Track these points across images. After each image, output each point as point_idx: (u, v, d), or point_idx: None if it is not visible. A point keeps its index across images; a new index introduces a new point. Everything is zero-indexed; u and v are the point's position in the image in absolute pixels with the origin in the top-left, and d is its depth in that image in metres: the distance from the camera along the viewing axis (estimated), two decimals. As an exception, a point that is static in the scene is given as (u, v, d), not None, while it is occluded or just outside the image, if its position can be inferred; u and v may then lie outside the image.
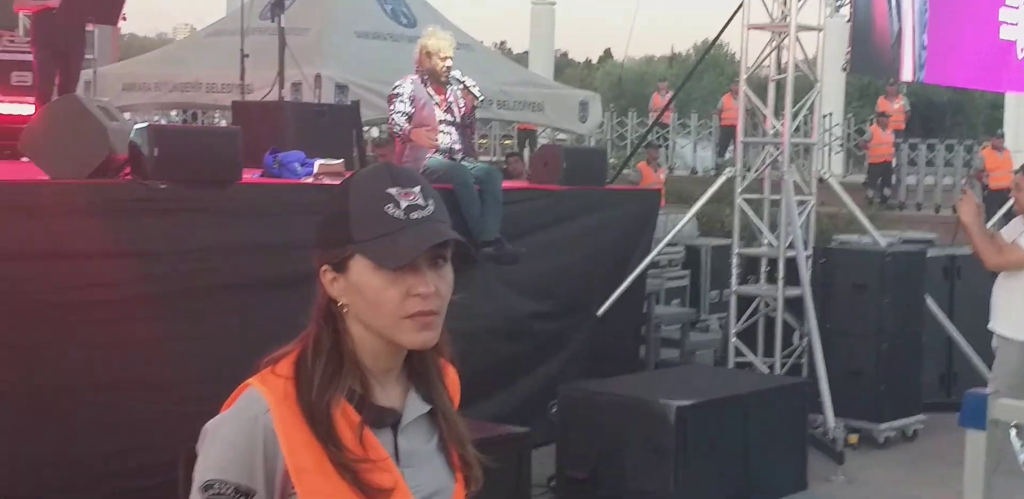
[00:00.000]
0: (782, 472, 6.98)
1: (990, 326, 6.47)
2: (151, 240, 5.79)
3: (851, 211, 9.32)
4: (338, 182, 1.90)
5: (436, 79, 7.40)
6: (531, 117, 13.55)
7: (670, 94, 21.10)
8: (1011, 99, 21.42)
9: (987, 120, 32.26)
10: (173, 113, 18.71)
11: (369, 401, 1.82)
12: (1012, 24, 10.41)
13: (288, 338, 1.88)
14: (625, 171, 14.02)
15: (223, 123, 15.28)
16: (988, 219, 7.33)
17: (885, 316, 8.17)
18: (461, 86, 7.48)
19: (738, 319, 8.83)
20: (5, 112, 9.45)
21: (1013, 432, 6.17)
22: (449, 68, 7.40)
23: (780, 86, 8.88)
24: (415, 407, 1.87)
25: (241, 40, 10.13)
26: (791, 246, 8.42)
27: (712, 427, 6.45)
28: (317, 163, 7.09)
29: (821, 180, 9.09)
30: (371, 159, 11.29)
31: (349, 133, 9.12)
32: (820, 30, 9.06)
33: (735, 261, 8.94)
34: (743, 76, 9.03)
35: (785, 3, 8.78)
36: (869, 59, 9.20)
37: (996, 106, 27.17)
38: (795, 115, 8.79)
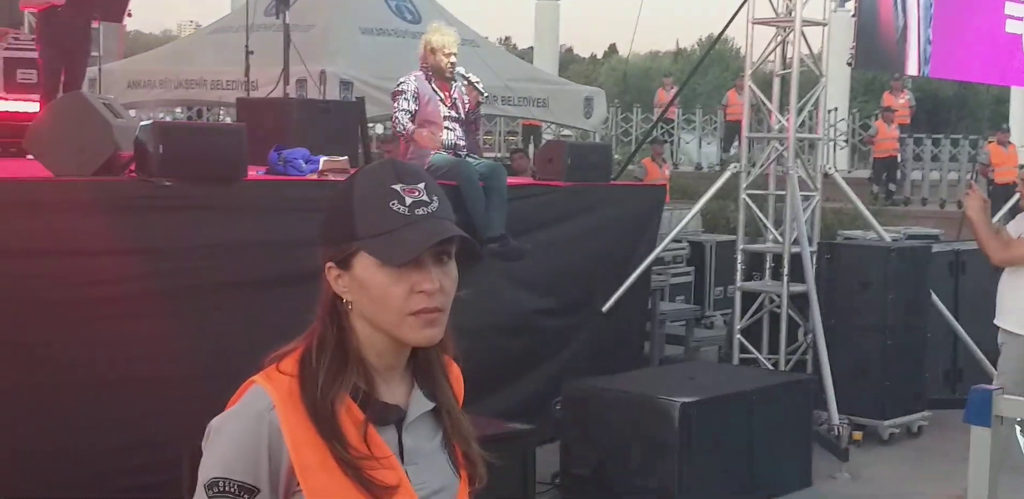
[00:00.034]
0: (786, 469, 6.98)
1: (995, 322, 6.46)
2: (156, 237, 5.80)
3: (856, 207, 9.31)
4: (343, 179, 1.90)
5: (441, 75, 7.40)
6: (536, 113, 13.54)
7: (675, 89, 21.05)
8: (1017, 93, 21.41)
9: (992, 115, 32.19)
10: (178, 110, 18.74)
11: (373, 398, 1.82)
12: (1018, 18, 10.40)
13: (293, 335, 1.88)
14: (630, 167, 14.02)
15: (228, 120, 15.31)
16: (993, 214, 7.31)
17: (890, 312, 8.16)
18: (466, 82, 7.48)
19: (742, 315, 8.83)
20: (10, 110, 9.47)
21: (1018, 428, 6.16)
22: (454, 64, 7.39)
23: (785, 81, 8.87)
24: (419, 404, 1.87)
25: (246, 37, 10.13)
26: (796, 242, 8.41)
27: (716, 424, 6.45)
28: (322, 160, 7.10)
29: (826, 175, 9.08)
30: (376, 156, 11.30)
31: (354, 130, 9.11)
32: (825, 25, 9.04)
33: (740, 257, 8.93)
34: (748, 71, 9.02)
35: (790, -2, 8.77)
36: (874, 54, 9.19)
37: (1001, 100, 27.11)
38: (800, 110, 8.78)
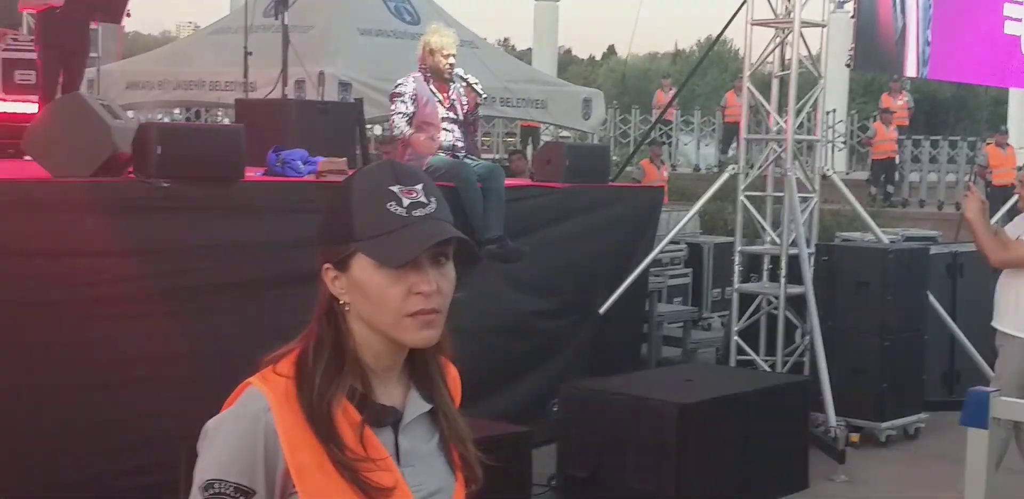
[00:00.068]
0: (783, 471, 6.97)
1: (993, 324, 6.46)
2: (154, 238, 5.80)
3: (854, 208, 9.31)
4: (341, 180, 1.90)
5: (439, 76, 7.40)
6: (534, 114, 13.55)
7: (673, 91, 21.06)
8: (1015, 95, 21.43)
9: (991, 116, 32.22)
10: (176, 111, 18.74)
11: (370, 400, 1.82)
12: (1017, 20, 10.40)
13: (290, 336, 1.88)
14: (628, 168, 14.03)
15: (226, 121, 15.31)
16: (992, 216, 7.32)
17: (887, 314, 8.16)
18: (464, 84, 7.48)
19: (740, 317, 8.83)
20: (9, 110, 9.47)
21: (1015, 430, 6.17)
22: (452, 65, 7.40)
23: (784, 82, 8.87)
24: (416, 406, 1.87)
25: (244, 38, 10.14)
26: (794, 244, 8.41)
27: (713, 426, 6.44)
28: (320, 161, 7.10)
29: (824, 177, 9.08)
30: (374, 156, 11.30)
31: (352, 131, 9.12)
32: (824, 26, 9.04)
33: (737, 259, 8.93)
34: (746, 73, 9.02)
35: None
36: (873, 55, 9.19)
37: (1000, 102, 27.13)
38: (798, 112, 8.78)
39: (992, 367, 6.77)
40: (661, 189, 10.58)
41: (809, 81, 8.93)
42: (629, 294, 8.46)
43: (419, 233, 1.77)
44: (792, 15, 8.67)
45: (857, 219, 9.85)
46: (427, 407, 1.88)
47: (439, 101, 7.40)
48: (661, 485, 6.20)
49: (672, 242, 9.69)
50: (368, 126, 11.44)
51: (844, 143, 23.24)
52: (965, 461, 4.01)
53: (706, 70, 36.61)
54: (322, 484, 1.75)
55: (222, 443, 1.77)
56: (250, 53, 10.02)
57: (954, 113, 37.52)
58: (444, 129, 7.41)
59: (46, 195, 5.62)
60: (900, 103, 20.49)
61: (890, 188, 19.81)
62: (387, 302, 1.77)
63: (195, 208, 6.02)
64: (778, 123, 8.83)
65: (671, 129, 24.35)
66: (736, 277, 8.91)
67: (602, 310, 8.31)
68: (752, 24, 8.86)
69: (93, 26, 10.20)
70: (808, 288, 8.14)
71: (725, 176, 9.02)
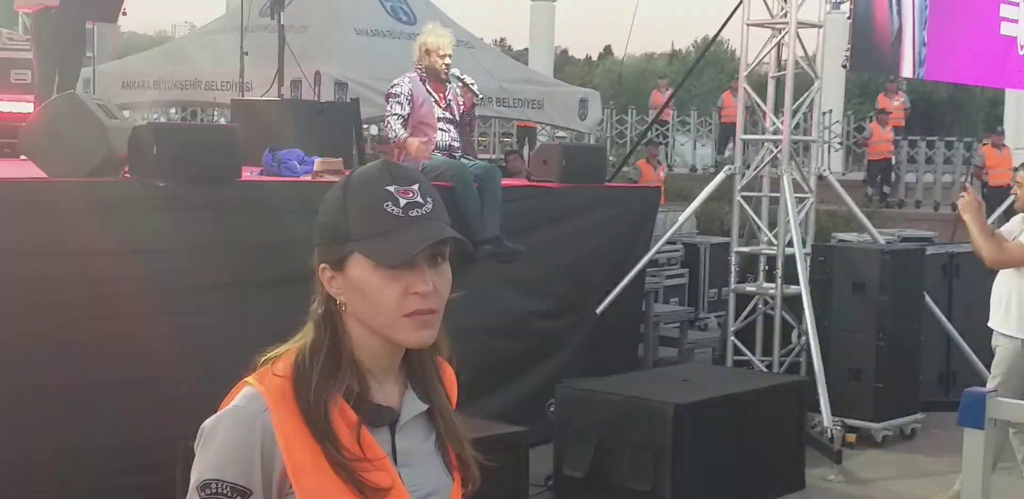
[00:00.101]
0: (780, 471, 6.98)
1: (990, 324, 6.47)
2: (150, 238, 5.80)
3: (850, 209, 9.32)
4: (337, 180, 1.90)
5: (435, 77, 7.40)
6: (531, 115, 13.54)
7: (670, 91, 21.09)
8: (1011, 96, 21.40)
9: (987, 117, 32.27)
10: (172, 111, 18.71)
11: (367, 400, 1.82)
12: (1012, 20, 10.41)
13: (287, 336, 1.88)
14: (625, 169, 14.02)
15: (222, 121, 15.30)
16: (987, 216, 7.32)
17: (884, 314, 8.17)
18: (460, 84, 7.48)
19: (736, 317, 8.83)
20: (4, 110, 9.45)
21: (1011, 430, 6.17)
22: (448, 66, 7.40)
23: (780, 83, 8.87)
24: (413, 406, 1.87)
25: (241, 38, 10.13)
26: (790, 244, 8.41)
27: (710, 426, 6.45)
28: (316, 161, 7.10)
29: (820, 178, 9.08)
30: (371, 156, 11.29)
31: (349, 131, 9.11)
32: (820, 27, 9.05)
33: (734, 259, 8.94)
34: (743, 73, 9.03)
35: (785, 0, 8.77)
36: (869, 56, 9.19)
37: (996, 103, 27.17)
38: (795, 112, 8.78)
39: (988, 367, 6.78)
40: (657, 189, 10.57)
41: (805, 82, 8.94)
42: (626, 294, 8.47)
43: (416, 233, 1.76)
44: (788, 16, 8.67)
45: (853, 220, 9.86)
46: (424, 407, 1.88)
47: (435, 101, 7.40)
48: (657, 485, 6.20)
49: (669, 242, 9.70)
50: (364, 126, 11.42)
51: (840, 144, 23.24)
52: (961, 461, 4.01)
53: (702, 71, 36.62)
54: (319, 484, 1.74)
55: (219, 443, 1.77)
56: (246, 53, 10.01)
57: (950, 114, 37.54)
58: (440, 129, 7.41)
59: (42, 195, 5.61)
60: (896, 104, 20.50)
61: (886, 189, 19.83)
62: (384, 302, 1.77)
63: (191, 208, 6.01)
64: (774, 124, 8.84)
65: (667, 129, 24.35)
66: (732, 277, 8.92)
67: (599, 310, 8.31)
68: (748, 25, 8.87)
69: (88, 26, 10.18)
70: (804, 288, 8.15)
71: (721, 176, 9.03)
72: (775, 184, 8.84)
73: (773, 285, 8.63)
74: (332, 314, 1.82)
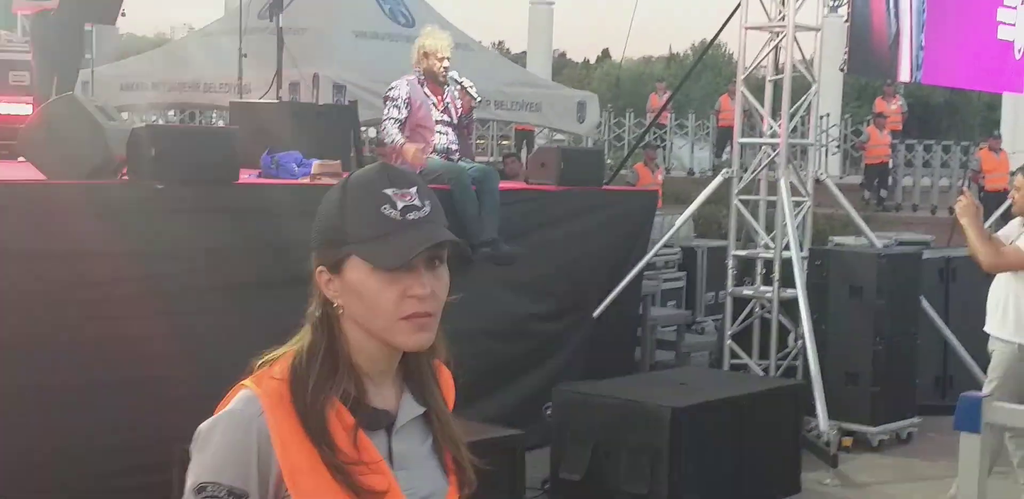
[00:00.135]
0: (776, 475, 6.98)
1: (986, 328, 6.47)
2: (148, 240, 5.79)
3: (847, 212, 9.32)
4: (335, 182, 1.90)
5: (434, 79, 7.41)
6: (529, 117, 13.55)
7: (668, 94, 21.10)
8: (1008, 100, 21.43)
9: (984, 121, 32.30)
10: (171, 113, 18.70)
11: (364, 403, 1.82)
12: (1010, 24, 10.42)
13: (284, 339, 1.88)
14: (622, 172, 14.02)
15: (221, 123, 15.30)
16: (984, 220, 7.32)
17: (880, 318, 8.17)
18: (459, 87, 7.48)
19: (733, 321, 8.83)
20: (2, 112, 9.45)
21: (1008, 434, 6.18)
22: (447, 69, 7.40)
23: (777, 86, 8.87)
24: (409, 409, 1.87)
25: (239, 40, 10.13)
26: (787, 248, 8.42)
27: (707, 429, 6.45)
28: (314, 163, 7.10)
29: (818, 181, 9.09)
30: (369, 159, 11.29)
31: (347, 133, 9.12)
32: (818, 30, 9.05)
33: (731, 263, 8.94)
34: (740, 76, 9.03)
35: (783, 3, 8.77)
36: (867, 59, 9.20)
37: (993, 107, 27.20)
38: (792, 116, 8.79)
39: (985, 371, 6.78)
40: (655, 193, 10.57)
41: (803, 85, 8.94)
42: (623, 297, 8.47)
43: (413, 236, 1.77)
44: (786, 19, 8.68)
45: (850, 223, 9.86)
46: (420, 410, 1.88)
47: (433, 104, 7.40)
48: (654, 489, 6.20)
49: (666, 246, 9.69)
50: (363, 129, 11.43)
51: (838, 147, 23.26)
52: (958, 466, 4.02)
53: (700, 74, 36.65)
54: (315, 487, 1.75)
55: (215, 446, 1.77)
56: (245, 55, 10.02)
57: (947, 118, 37.56)
58: (438, 132, 7.42)
59: (40, 197, 5.61)
60: (894, 107, 20.50)
61: (883, 192, 19.83)
62: (381, 305, 1.77)
63: (189, 210, 6.01)
64: (772, 127, 8.84)
65: (665, 133, 24.36)
66: (730, 281, 8.92)
67: (596, 313, 8.31)
68: (746, 28, 8.87)
69: (87, 27, 10.18)
70: (801, 292, 8.15)
71: (719, 180, 9.03)
72: (772, 188, 8.85)
73: (770, 289, 8.62)
74: (329, 317, 1.83)
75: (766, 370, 8.58)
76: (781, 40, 8.80)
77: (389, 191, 1.79)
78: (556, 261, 8.05)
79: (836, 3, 19.50)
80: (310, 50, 10.75)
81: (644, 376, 8.34)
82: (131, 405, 5.63)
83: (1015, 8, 10.44)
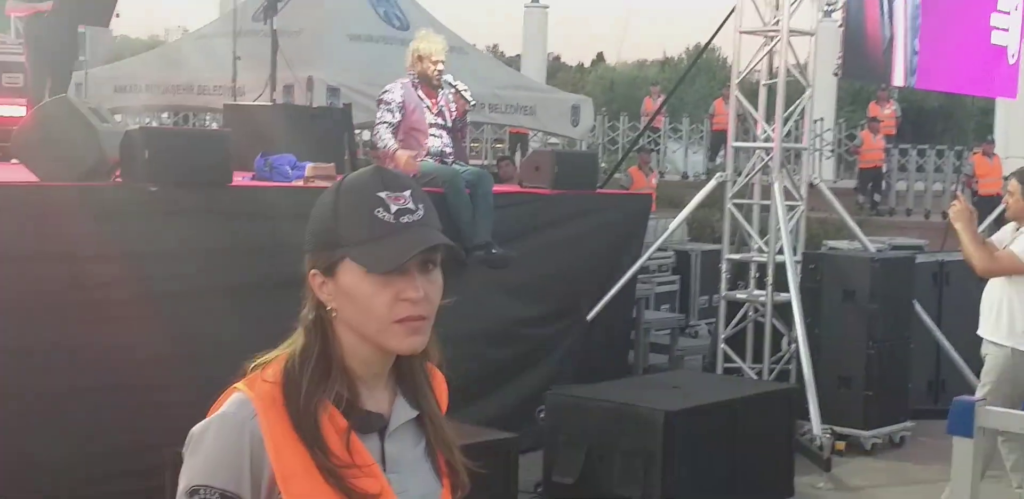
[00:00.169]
0: (769, 478, 6.98)
1: (980, 332, 6.47)
2: (141, 243, 5.78)
3: (841, 217, 9.33)
4: (328, 185, 1.90)
5: (428, 83, 7.40)
6: (523, 121, 13.55)
7: (662, 98, 21.10)
8: (1001, 105, 21.45)
9: (978, 126, 32.30)
10: (164, 115, 18.70)
11: (357, 406, 1.81)
12: (1003, 29, 10.44)
13: (277, 342, 1.87)
14: (616, 175, 14.05)
15: (214, 125, 15.29)
16: (978, 225, 7.33)
17: (874, 322, 8.18)
18: (453, 90, 7.48)
19: (727, 324, 8.84)
20: (-4, 113, 9.44)
21: (1000, 438, 6.18)
22: (441, 72, 7.39)
23: (771, 91, 8.89)
24: (402, 412, 1.87)
25: (233, 42, 10.12)
26: (781, 251, 8.42)
27: (700, 433, 6.44)
28: (308, 166, 7.09)
29: (811, 185, 9.10)
30: (363, 162, 11.28)
31: (341, 136, 9.11)
32: (812, 35, 9.07)
33: (725, 266, 8.95)
34: (735, 81, 9.04)
35: (777, 8, 8.79)
36: (861, 64, 9.22)
37: (987, 112, 27.20)
38: (786, 120, 8.80)
39: (978, 375, 6.79)
40: (649, 196, 10.60)
41: (797, 89, 8.96)
42: (617, 301, 8.47)
43: (407, 239, 1.76)
44: (780, 24, 8.69)
45: (844, 227, 9.88)
46: (414, 413, 1.88)
47: (427, 107, 7.40)
48: (647, 492, 6.20)
49: (660, 249, 9.71)
50: (357, 131, 11.42)
51: (831, 152, 23.30)
52: (950, 470, 4.02)
53: (694, 78, 36.67)
54: (308, 490, 1.74)
55: (208, 449, 1.76)
56: (239, 57, 10.01)
57: (941, 122, 37.60)
58: (432, 135, 7.42)
59: (34, 199, 5.60)
60: (887, 112, 20.54)
61: (877, 197, 19.86)
62: (374, 308, 1.77)
63: (182, 212, 6.01)
64: (766, 131, 8.85)
65: (659, 136, 24.39)
66: (723, 285, 8.93)
67: (590, 317, 8.31)
68: (741, 32, 8.89)
69: (80, 29, 10.17)
70: (795, 296, 8.16)
71: (713, 184, 9.04)
72: (766, 192, 8.86)
73: (764, 292, 8.63)
74: (322, 320, 1.82)
75: (759, 374, 8.59)
76: (775, 44, 8.82)
77: (383, 194, 1.79)
78: (550, 264, 8.05)
79: (830, 8, 19.54)
80: (304, 53, 10.74)
81: (637, 379, 8.34)
82: (125, 408, 5.62)
83: (1008, 13, 10.47)
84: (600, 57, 55.43)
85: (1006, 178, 6.83)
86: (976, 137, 25.80)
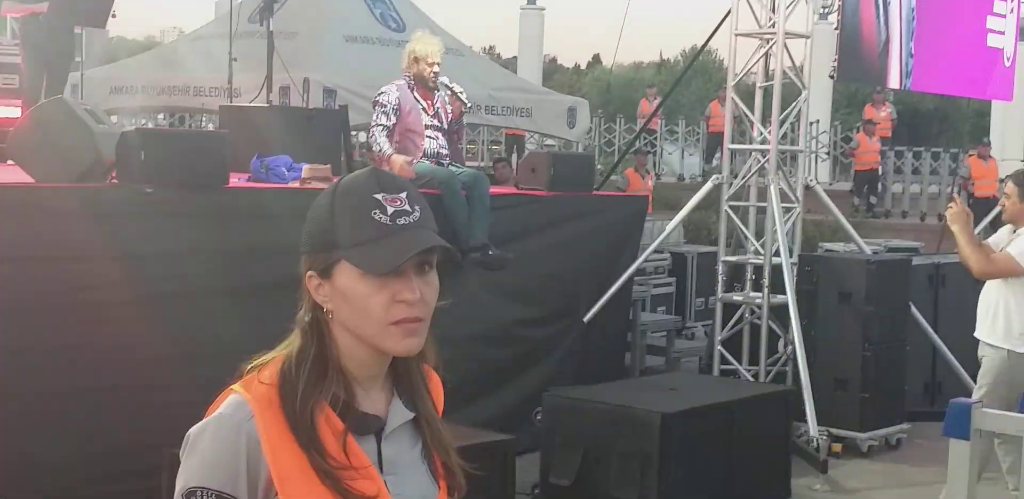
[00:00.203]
0: (765, 480, 6.98)
1: (976, 334, 6.48)
2: (137, 244, 5.78)
3: (837, 219, 9.34)
4: (325, 187, 1.90)
5: (424, 84, 7.40)
6: (519, 122, 13.55)
7: (658, 100, 21.12)
8: (997, 107, 21.51)
9: (973, 128, 32.37)
10: (160, 117, 18.69)
11: (353, 408, 1.81)
12: (999, 32, 10.45)
13: (273, 343, 1.87)
14: (613, 177, 14.03)
15: (211, 127, 15.28)
16: (975, 227, 7.35)
17: (870, 324, 8.18)
18: (449, 92, 7.48)
19: (723, 326, 8.84)
20: (-8, 114, 9.42)
21: (997, 441, 6.18)
22: (437, 74, 7.39)
23: (767, 93, 8.90)
24: (399, 414, 1.87)
25: (229, 44, 10.12)
26: (777, 254, 8.43)
27: (696, 434, 6.45)
28: (304, 167, 7.08)
29: (807, 188, 9.10)
30: (359, 163, 11.29)
31: (337, 138, 9.11)
32: (808, 37, 9.07)
33: (721, 268, 8.95)
34: (731, 83, 9.05)
35: (773, 10, 8.80)
36: (856, 66, 9.22)
37: (982, 114, 27.26)
38: (782, 122, 8.80)
39: (974, 378, 6.79)
40: (645, 198, 10.59)
41: (793, 92, 8.97)
42: (613, 303, 8.47)
43: (403, 241, 1.76)
44: (776, 26, 8.70)
45: (840, 230, 9.89)
46: (410, 415, 1.88)
47: (423, 109, 7.39)
48: (644, 494, 6.20)
49: (656, 251, 9.71)
50: (353, 133, 11.41)
51: (827, 154, 23.31)
52: (947, 472, 4.02)
53: (691, 80, 36.71)
54: (304, 492, 1.74)
55: (204, 450, 1.76)
56: (235, 59, 10.00)
57: (937, 125, 37.62)
58: (428, 137, 7.41)
59: (29, 200, 5.60)
60: (883, 114, 20.57)
61: (873, 199, 19.89)
62: (371, 310, 1.77)
63: (178, 214, 6.00)
64: (762, 133, 8.86)
65: (656, 138, 24.40)
66: (719, 287, 8.93)
67: (586, 319, 8.31)
68: (737, 35, 8.89)
69: (77, 30, 10.17)
70: (791, 298, 8.16)
71: (709, 186, 9.04)
72: (762, 194, 8.86)
73: (760, 294, 8.64)
74: (319, 321, 1.82)
75: (756, 376, 8.59)
76: (771, 47, 8.82)
77: (379, 196, 1.79)
78: (546, 266, 8.05)
79: (826, 10, 19.54)
80: (300, 54, 10.74)
81: (634, 381, 8.34)
82: (125, 408, 5.61)
83: (1004, 16, 10.48)
84: (596, 59, 55.39)
85: (1002, 180, 6.84)
86: (972, 139, 25.82)
